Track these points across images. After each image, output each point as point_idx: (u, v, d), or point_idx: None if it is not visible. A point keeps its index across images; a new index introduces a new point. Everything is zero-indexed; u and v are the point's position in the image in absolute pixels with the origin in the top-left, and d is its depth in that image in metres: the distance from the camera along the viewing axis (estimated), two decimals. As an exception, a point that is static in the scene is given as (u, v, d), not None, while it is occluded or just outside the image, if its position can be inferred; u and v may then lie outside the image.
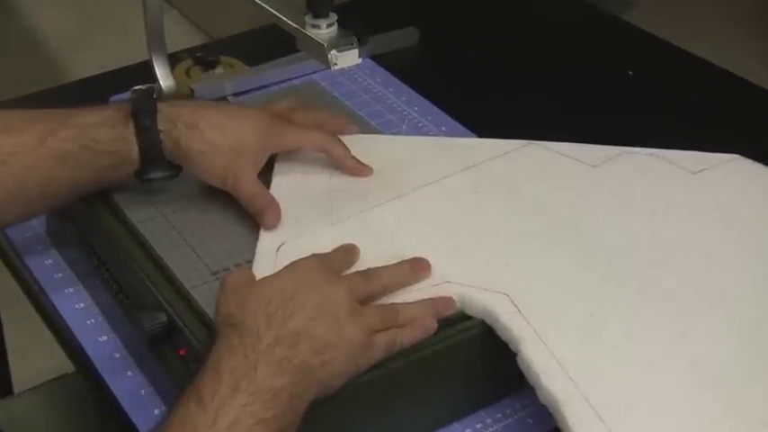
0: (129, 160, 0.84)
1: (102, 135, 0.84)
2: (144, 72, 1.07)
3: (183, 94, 1.08)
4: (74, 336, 0.87)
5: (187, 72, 1.14)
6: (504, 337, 0.76)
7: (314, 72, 1.14)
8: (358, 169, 0.90)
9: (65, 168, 0.83)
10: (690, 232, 0.85)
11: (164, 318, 0.79)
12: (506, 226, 0.85)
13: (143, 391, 0.82)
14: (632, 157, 0.93)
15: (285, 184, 0.89)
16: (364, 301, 0.76)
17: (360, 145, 0.92)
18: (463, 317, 0.78)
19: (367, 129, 1.02)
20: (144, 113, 0.84)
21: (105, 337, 0.87)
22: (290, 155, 0.91)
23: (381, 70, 1.16)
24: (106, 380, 0.83)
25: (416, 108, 1.09)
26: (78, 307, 0.89)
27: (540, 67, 1.20)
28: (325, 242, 0.81)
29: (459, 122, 1.07)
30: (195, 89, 1.10)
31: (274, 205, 0.85)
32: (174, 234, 0.86)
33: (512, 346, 0.75)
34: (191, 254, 0.84)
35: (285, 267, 0.76)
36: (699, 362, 0.74)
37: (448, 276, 0.79)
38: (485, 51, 1.22)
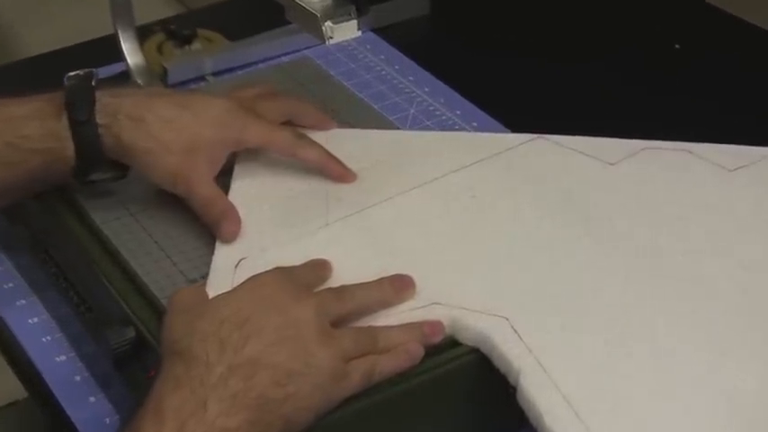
0: (62, 159, 0.85)
1: (30, 130, 0.84)
2: (108, 48, 1.08)
3: (155, 74, 1.10)
4: (27, 355, 0.88)
5: (159, 48, 1.15)
6: (501, 369, 0.75)
7: (306, 48, 1.15)
8: (340, 173, 0.90)
9: None
10: (723, 242, 0.85)
11: (132, 333, 0.80)
12: (506, 236, 0.85)
13: (108, 420, 0.83)
14: (657, 152, 0.94)
15: (246, 188, 0.89)
16: (336, 323, 0.75)
17: (337, 141, 0.93)
18: (454, 344, 0.78)
19: (369, 113, 1.04)
20: (79, 104, 0.85)
21: (64, 357, 0.87)
22: (254, 153, 0.91)
23: (385, 45, 1.17)
24: (65, 407, 0.83)
25: (426, 89, 1.10)
26: (32, 322, 0.90)
27: (570, 39, 1.21)
28: (293, 257, 0.81)
29: (476, 105, 1.08)
30: (168, 68, 1.11)
31: (233, 213, 0.85)
32: (143, 236, 0.87)
33: (510, 379, 0.75)
34: (164, 259, 0.85)
35: (243, 283, 0.76)
36: (734, 396, 0.73)
37: (436, 296, 0.79)
38: (506, 23, 1.23)
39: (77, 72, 0.87)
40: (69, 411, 0.83)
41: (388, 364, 0.74)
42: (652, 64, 1.16)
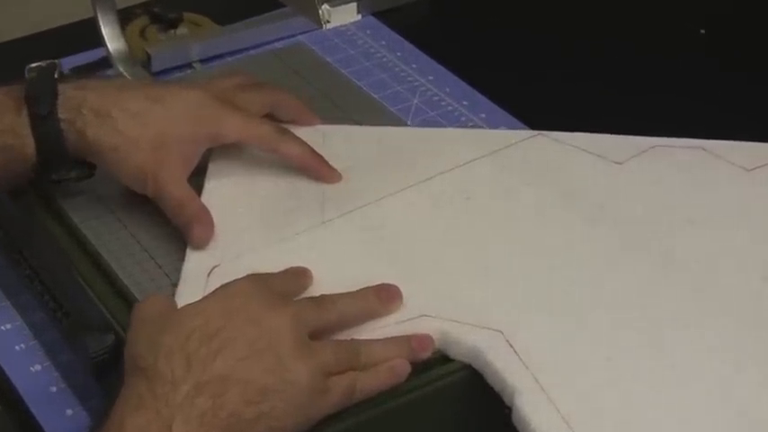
0: (21, 156, 0.86)
1: None
2: (87, 33, 1.09)
3: (138, 61, 1.11)
4: (-2, 365, 0.89)
5: (142, 32, 1.16)
6: (495, 387, 0.75)
7: (302, 33, 1.16)
8: (324, 173, 0.91)
9: None
10: (740, 247, 0.85)
11: (112, 340, 0.81)
12: (502, 242, 0.86)
13: (86, 434, 0.85)
14: (669, 151, 0.93)
15: (221, 189, 0.90)
16: (316, 335, 0.75)
17: (320, 139, 0.93)
18: (444, 359, 0.78)
19: (368, 104, 1.05)
20: (41, 98, 0.85)
21: (39, 367, 0.88)
22: (229, 150, 0.91)
23: (387, 30, 1.18)
24: (39, 420, 0.84)
25: (431, 77, 1.11)
26: (4, 328, 0.91)
27: (584, 25, 1.21)
28: (271, 263, 0.81)
29: (484, 95, 1.08)
30: (152, 54, 1.12)
31: (205, 216, 0.86)
32: (125, 236, 0.88)
33: (505, 398, 0.74)
34: (147, 261, 0.86)
35: (214, 291, 0.75)
36: (749, 416, 0.73)
37: (425, 308, 0.79)
38: (513, 6, 1.23)
39: (39, 63, 0.88)
40: (44, 425, 0.83)
41: (370, 382, 0.74)
42: (676, 51, 1.16)
